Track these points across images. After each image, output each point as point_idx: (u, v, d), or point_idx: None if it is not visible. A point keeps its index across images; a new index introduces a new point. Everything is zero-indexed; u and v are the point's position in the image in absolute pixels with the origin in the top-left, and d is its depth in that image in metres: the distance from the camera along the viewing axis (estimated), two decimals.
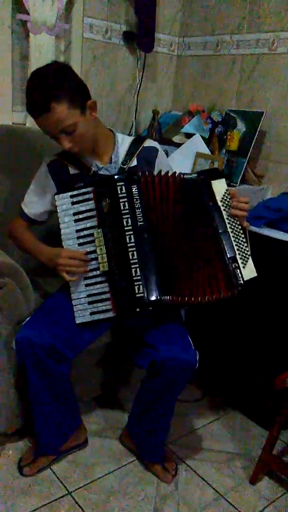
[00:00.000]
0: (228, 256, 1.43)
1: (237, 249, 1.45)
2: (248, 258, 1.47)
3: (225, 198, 1.48)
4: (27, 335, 1.43)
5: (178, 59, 2.81)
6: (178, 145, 2.39)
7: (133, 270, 1.41)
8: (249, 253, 1.47)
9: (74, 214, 1.49)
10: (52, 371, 1.47)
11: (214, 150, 2.37)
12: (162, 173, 1.48)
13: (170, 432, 1.73)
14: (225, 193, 1.48)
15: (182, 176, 1.49)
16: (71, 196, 1.49)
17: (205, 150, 2.31)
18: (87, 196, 1.48)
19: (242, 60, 2.44)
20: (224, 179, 1.50)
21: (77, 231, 1.48)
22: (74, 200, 1.49)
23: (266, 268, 1.91)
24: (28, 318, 1.52)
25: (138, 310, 1.42)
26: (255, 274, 1.46)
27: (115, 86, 2.59)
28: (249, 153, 2.27)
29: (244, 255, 1.46)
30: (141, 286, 1.40)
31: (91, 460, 1.75)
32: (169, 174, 1.48)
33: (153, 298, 1.40)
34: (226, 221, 1.46)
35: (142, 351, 1.53)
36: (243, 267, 1.44)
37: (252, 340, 2.00)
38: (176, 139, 2.50)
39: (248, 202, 1.48)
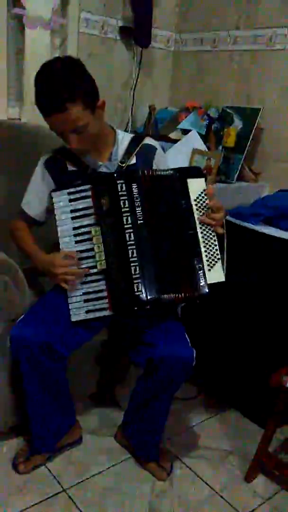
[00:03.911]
0: (193, 257, 1.43)
1: (205, 251, 1.44)
2: (216, 262, 1.45)
3: (200, 198, 1.47)
4: (22, 333, 1.42)
5: (175, 55, 2.79)
6: (174, 141, 2.38)
7: (132, 268, 1.41)
8: (218, 257, 1.46)
9: (71, 211, 1.47)
10: (47, 369, 1.46)
11: (211, 147, 2.36)
12: None
13: (166, 430, 1.73)
14: (201, 193, 1.47)
15: (156, 172, 1.49)
16: (69, 193, 1.47)
17: (202, 146, 2.30)
18: (84, 194, 1.47)
19: (239, 56, 2.42)
20: (203, 179, 1.49)
21: (74, 228, 1.47)
22: (72, 198, 1.47)
23: (262, 265, 1.91)
24: (23, 315, 1.51)
25: (136, 308, 1.42)
26: (223, 279, 1.44)
27: (111, 81, 2.57)
28: (246, 150, 2.26)
29: (213, 259, 1.45)
30: (140, 285, 1.40)
31: (86, 458, 1.75)
32: (153, 171, 1.49)
33: (151, 296, 1.40)
34: (197, 221, 1.46)
35: (139, 348, 1.52)
36: (209, 270, 1.44)
37: (248, 338, 2.00)
38: (173, 135, 2.49)
39: (221, 211, 1.47)
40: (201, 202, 1.47)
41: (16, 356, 1.46)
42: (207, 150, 2.30)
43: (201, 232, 1.46)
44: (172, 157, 2.27)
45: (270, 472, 1.77)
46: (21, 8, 2.07)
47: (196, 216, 1.46)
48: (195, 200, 1.47)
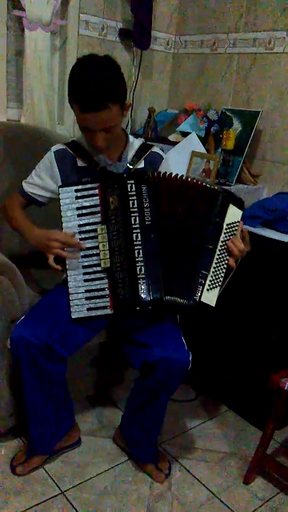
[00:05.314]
0: (200, 270, 1.43)
1: (213, 272, 1.44)
2: (216, 287, 1.45)
3: (232, 225, 1.48)
4: (22, 334, 1.42)
5: (174, 57, 2.80)
6: (174, 143, 2.39)
7: (137, 268, 1.41)
8: (220, 283, 1.45)
9: (78, 208, 1.48)
10: (47, 370, 1.46)
11: (210, 149, 2.37)
12: None
13: (164, 432, 1.73)
14: (235, 222, 1.49)
15: (204, 183, 1.49)
16: (76, 190, 1.48)
17: (201, 149, 2.30)
18: (92, 192, 1.47)
19: (239, 59, 2.43)
20: (242, 212, 1.51)
21: (80, 225, 1.48)
22: (79, 195, 1.48)
23: (260, 268, 1.92)
24: (23, 317, 1.51)
25: (138, 308, 1.42)
26: (213, 305, 1.43)
27: None
28: (245, 153, 2.27)
29: (215, 281, 1.45)
30: (144, 285, 1.40)
31: (84, 460, 1.75)
32: (184, 177, 1.48)
33: (155, 297, 1.40)
34: (220, 243, 1.45)
35: (136, 350, 1.52)
36: (207, 290, 1.43)
37: (246, 340, 2.00)
38: (172, 137, 2.50)
39: (242, 251, 1.47)
40: (231, 228, 1.48)
41: (17, 357, 1.45)
42: (206, 152, 2.30)
43: (218, 254, 1.45)
44: (171, 160, 2.27)
45: (269, 474, 1.77)
46: (21, 10, 2.07)
47: (222, 237, 1.46)
48: (227, 224, 1.47)
